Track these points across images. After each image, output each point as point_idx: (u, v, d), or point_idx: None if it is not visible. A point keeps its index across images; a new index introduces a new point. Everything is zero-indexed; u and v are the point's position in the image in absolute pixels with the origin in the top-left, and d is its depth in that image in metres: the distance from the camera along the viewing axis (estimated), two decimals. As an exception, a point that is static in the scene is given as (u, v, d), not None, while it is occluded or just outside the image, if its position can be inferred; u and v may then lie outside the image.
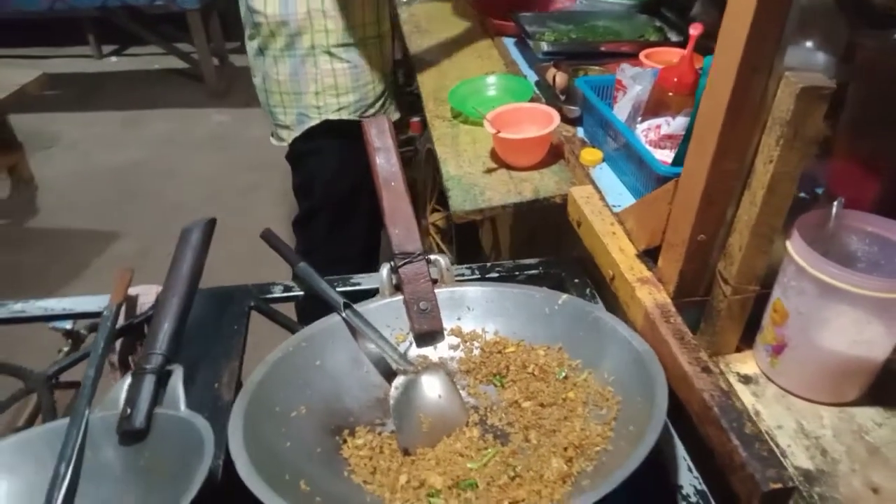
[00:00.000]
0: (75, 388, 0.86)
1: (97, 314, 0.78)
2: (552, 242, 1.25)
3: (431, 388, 0.70)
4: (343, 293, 0.76)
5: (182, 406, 0.62)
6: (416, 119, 2.12)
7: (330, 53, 1.33)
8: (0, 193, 2.94)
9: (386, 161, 0.84)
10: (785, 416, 0.63)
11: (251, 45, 1.40)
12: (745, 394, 0.66)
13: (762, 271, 0.64)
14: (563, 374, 0.71)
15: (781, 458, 0.58)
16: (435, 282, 0.79)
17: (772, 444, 0.59)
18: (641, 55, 1.16)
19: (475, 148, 1.11)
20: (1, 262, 2.52)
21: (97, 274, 2.40)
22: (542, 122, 1.04)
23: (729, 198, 0.63)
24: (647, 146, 0.89)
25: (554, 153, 1.06)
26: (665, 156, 0.87)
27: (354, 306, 0.75)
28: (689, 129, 0.67)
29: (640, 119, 0.93)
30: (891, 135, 0.69)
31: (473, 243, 1.95)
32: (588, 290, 0.86)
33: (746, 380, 0.68)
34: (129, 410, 0.61)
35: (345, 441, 0.67)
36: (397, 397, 0.69)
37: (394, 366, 0.71)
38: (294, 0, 1.28)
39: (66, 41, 4.26)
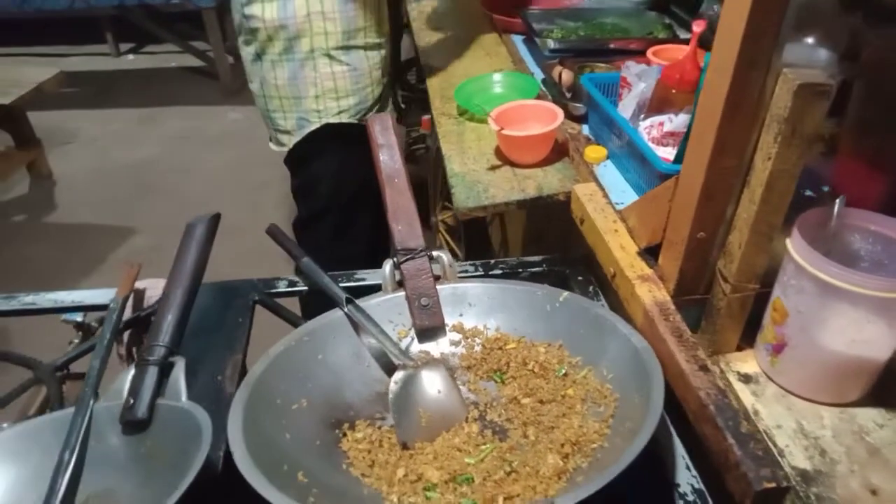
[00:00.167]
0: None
1: (107, 307, 0.80)
2: (561, 240, 1.25)
3: (431, 383, 0.71)
4: (347, 288, 0.77)
5: (183, 397, 0.63)
6: (427, 117, 2.13)
7: (329, 56, 1.32)
8: (19, 189, 2.99)
9: (389, 157, 0.85)
10: (784, 415, 0.63)
11: (247, 51, 1.38)
12: (744, 393, 0.65)
13: (762, 269, 0.63)
14: (563, 371, 0.71)
15: (779, 458, 0.57)
16: (438, 278, 0.79)
17: (769, 443, 0.59)
18: (649, 52, 1.16)
19: (480, 145, 1.12)
20: (19, 255, 2.57)
21: (112, 268, 2.44)
22: (546, 119, 1.04)
23: (728, 195, 0.63)
24: (650, 143, 0.89)
25: (559, 150, 1.06)
26: (668, 153, 0.87)
27: (357, 301, 0.76)
28: (690, 126, 0.67)
29: (642, 116, 0.93)
30: (896, 133, 0.68)
31: (483, 241, 1.95)
32: (591, 288, 0.86)
33: (746, 379, 0.67)
34: (132, 401, 0.63)
35: (344, 434, 0.68)
36: (396, 392, 0.70)
37: (395, 361, 0.71)
38: (293, 3, 1.27)
39: (84, 40, 4.33)
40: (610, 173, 0.97)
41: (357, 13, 1.32)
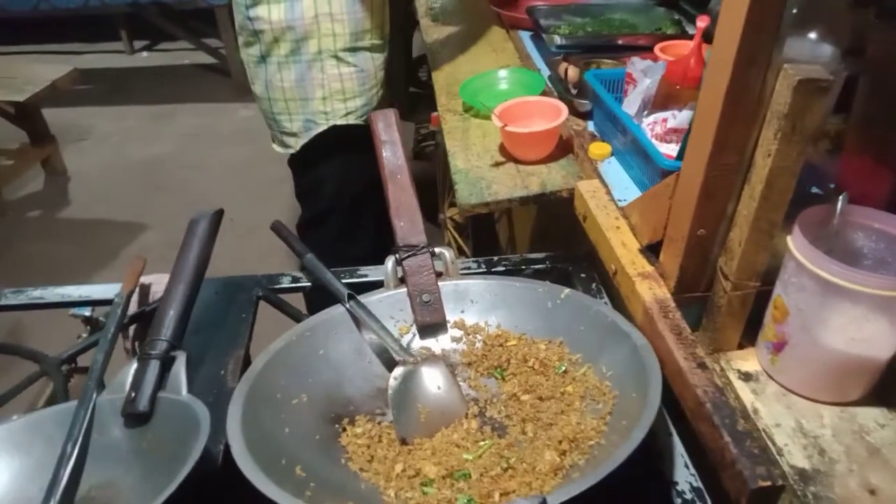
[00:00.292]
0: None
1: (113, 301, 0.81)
2: (566, 237, 1.24)
3: (430, 379, 0.71)
4: (350, 285, 0.77)
5: (184, 391, 0.64)
6: (436, 113, 2.12)
7: (337, 58, 1.32)
8: (34, 185, 3.03)
9: (392, 154, 0.85)
10: (784, 414, 0.62)
11: (249, 53, 1.36)
12: (744, 391, 0.65)
13: (762, 267, 0.63)
14: (563, 368, 0.71)
15: (777, 457, 0.57)
16: (440, 275, 0.79)
17: (767, 442, 0.58)
18: (656, 48, 1.15)
19: (484, 142, 1.11)
20: (34, 251, 2.60)
21: (124, 263, 2.45)
22: (550, 115, 1.04)
23: (729, 192, 0.62)
24: (654, 140, 0.89)
25: (563, 147, 1.06)
26: (671, 150, 0.86)
27: (359, 297, 0.76)
28: (692, 123, 0.66)
29: (646, 112, 0.92)
30: (902, 129, 0.67)
31: (491, 238, 1.95)
32: (594, 285, 0.86)
33: (747, 377, 0.67)
34: (133, 394, 0.64)
35: (344, 429, 0.68)
36: (396, 387, 0.70)
37: (395, 357, 0.72)
38: (301, 5, 1.26)
39: (98, 37, 4.37)
40: (614, 170, 0.96)
41: (364, 15, 1.31)
